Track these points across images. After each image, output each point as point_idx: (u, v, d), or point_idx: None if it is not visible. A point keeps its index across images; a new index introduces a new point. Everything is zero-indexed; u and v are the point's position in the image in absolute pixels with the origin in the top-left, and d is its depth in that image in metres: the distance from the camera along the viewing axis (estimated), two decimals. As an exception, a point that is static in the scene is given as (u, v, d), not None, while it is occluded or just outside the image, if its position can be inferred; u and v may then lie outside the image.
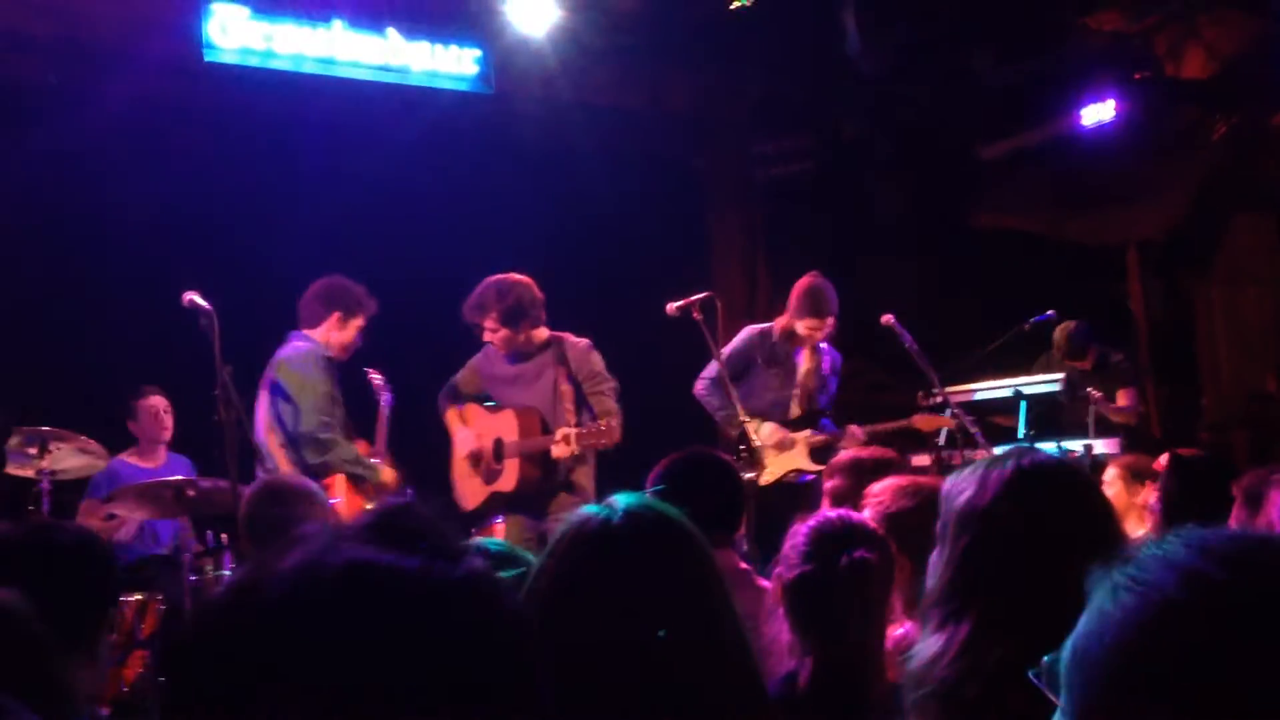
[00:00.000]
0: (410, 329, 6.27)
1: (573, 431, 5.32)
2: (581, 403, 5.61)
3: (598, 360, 5.67)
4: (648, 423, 6.06)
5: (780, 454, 6.34)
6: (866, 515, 2.85)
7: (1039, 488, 2.01)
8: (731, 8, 7.48)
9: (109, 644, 2.98)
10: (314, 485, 4.34)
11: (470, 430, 5.82)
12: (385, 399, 6.01)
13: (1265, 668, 0.89)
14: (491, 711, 0.89)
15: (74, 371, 6.85)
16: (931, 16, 8.27)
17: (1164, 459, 4.29)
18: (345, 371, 5.75)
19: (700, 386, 6.36)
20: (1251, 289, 9.14)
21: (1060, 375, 6.97)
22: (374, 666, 0.84)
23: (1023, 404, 6.63)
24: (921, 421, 6.31)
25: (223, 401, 5.17)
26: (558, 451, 5.38)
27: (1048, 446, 5.58)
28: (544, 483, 5.51)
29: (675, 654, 1.64)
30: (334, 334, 5.64)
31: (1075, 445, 6.50)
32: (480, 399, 5.86)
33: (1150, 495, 4.23)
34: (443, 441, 5.97)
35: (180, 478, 5.64)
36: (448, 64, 7.87)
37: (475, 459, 5.75)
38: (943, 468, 6.14)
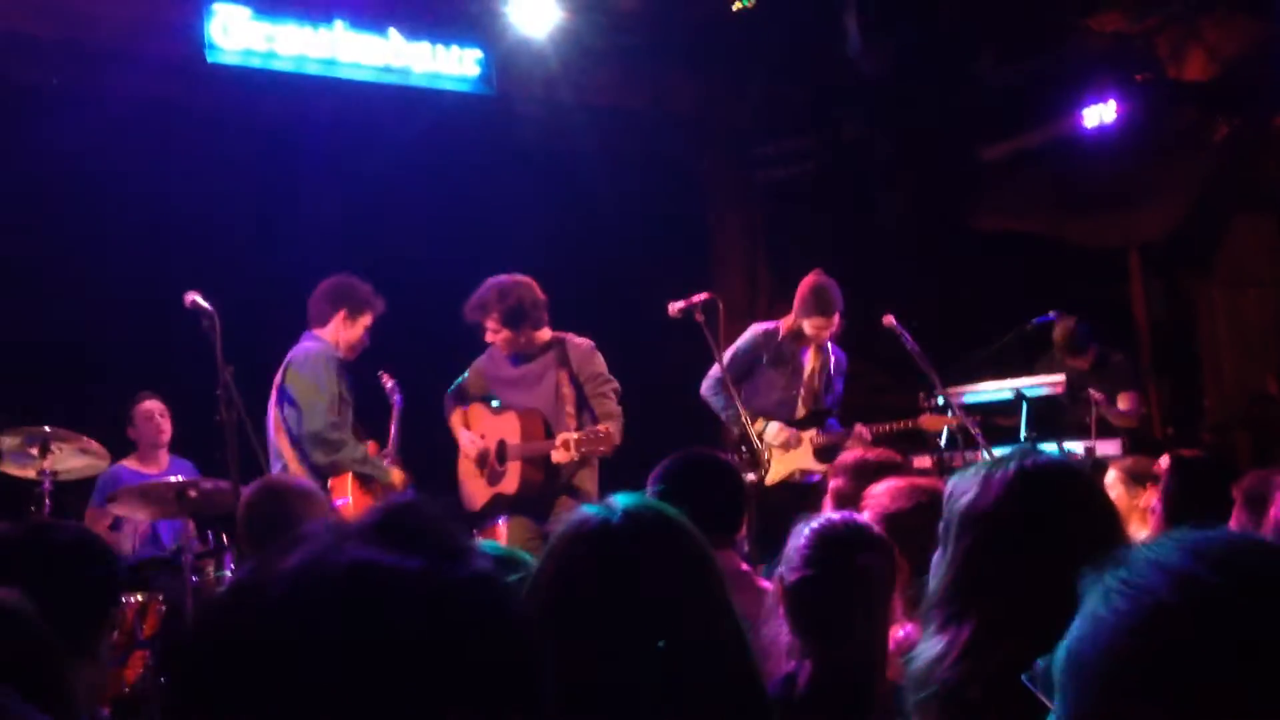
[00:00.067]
0: (411, 329, 6.27)
1: (573, 437, 5.32)
2: (583, 404, 5.60)
3: (600, 362, 5.67)
4: (649, 424, 6.05)
5: (786, 453, 6.34)
6: (866, 517, 2.85)
7: (1042, 489, 2.00)
8: (733, 9, 7.48)
9: (110, 644, 2.99)
10: (313, 485, 4.34)
11: (474, 432, 5.82)
12: (397, 401, 6.03)
13: (1257, 670, 0.89)
14: (495, 713, 0.89)
15: (75, 372, 6.85)
16: (932, 18, 8.27)
17: (1165, 460, 4.28)
18: (357, 373, 5.75)
19: (706, 387, 6.36)
20: (1253, 290, 9.13)
21: (1061, 377, 6.96)
22: (377, 668, 0.84)
23: (1024, 405, 6.62)
24: (928, 421, 6.31)
25: (224, 402, 5.18)
26: (558, 457, 5.38)
27: (1049, 448, 5.57)
28: (546, 486, 5.51)
29: (674, 654, 1.64)
30: (341, 332, 5.64)
31: (1077, 447, 6.50)
32: (486, 400, 5.86)
33: (1152, 497, 4.23)
34: (450, 442, 5.97)
35: (181, 478, 5.64)
36: (449, 65, 7.87)
37: (480, 460, 5.76)
38: (943, 469, 6.13)
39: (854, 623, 2.39)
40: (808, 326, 6.37)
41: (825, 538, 2.45)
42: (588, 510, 1.79)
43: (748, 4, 7.46)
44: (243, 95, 7.58)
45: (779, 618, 2.44)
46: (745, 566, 3.47)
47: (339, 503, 5.39)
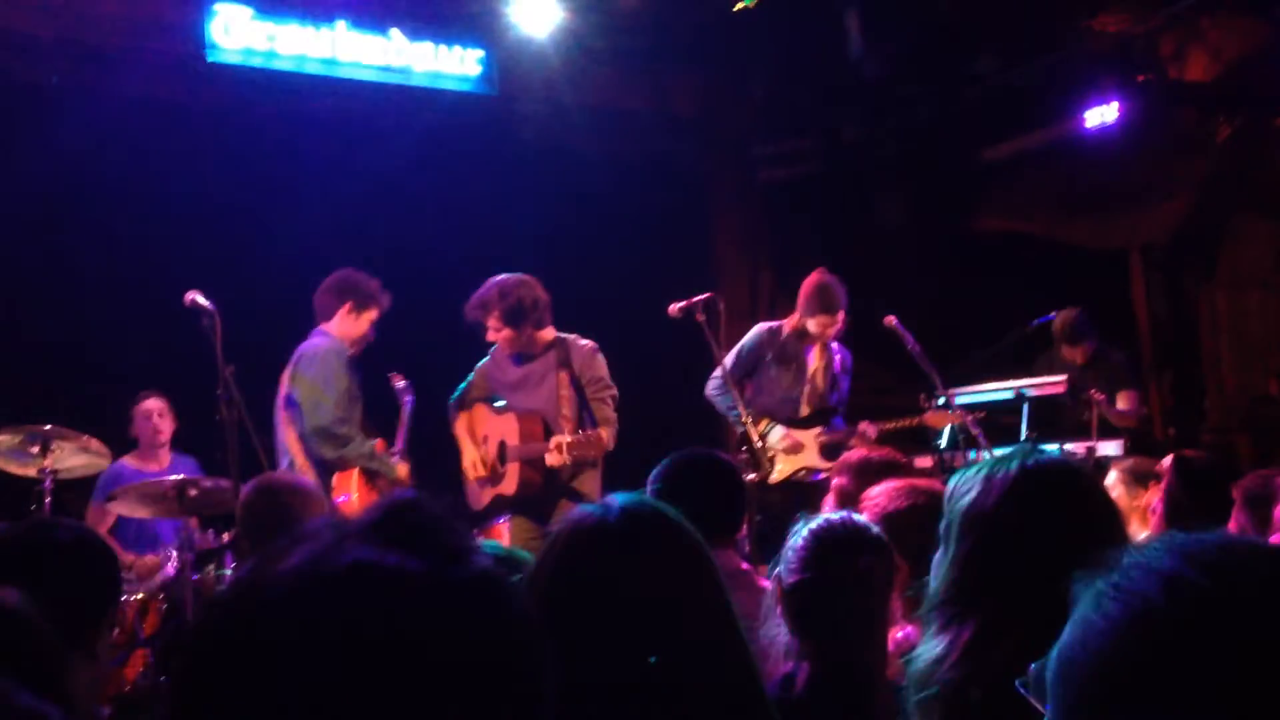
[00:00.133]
0: (411, 329, 6.26)
1: (565, 441, 5.34)
2: (584, 406, 5.60)
3: (601, 365, 5.66)
4: (650, 424, 6.05)
5: (789, 456, 6.35)
6: (865, 517, 2.84)
7: (1044, 489, 2.00)
8: (735, 9, 7.48)
9: (110, 643, 2.99)
10: (311, 483, 4.34)
11: (478, 433, 5.83)
12: (408, 401, 6.04)
13: (1248, 673, 0.89)
14: (497, 713, 0.89)
15: (76, 371, 6.85)
16: (933, 18, 8.26)
17: (1167, 461, 4.28)
18: (368, 374, 5.75)
19: (711, 387, 6.37)
20: (1255, 292, 9.12)
21: (1062, 377, 6.96)
22: (378, 668, 0.84)
23: (1025, 405, 6.62)
24: (932, 418, 6.31)
25: (224, 401, 5.18)
26: (550, 460, 5.39)
27: (1050, 448, 5.57)
28: (545, 488, 5.51)
29: (672, 654, 1.63)
30: (346, 326, 5.64)
31: (1078, 447, 6.49)
32: (490, 401, 5.86)
33: (1153, 497, 4.22)
34: (456, 444, 5.97)
35: (181, 477, 5.64)
36: (451, 65, 7.88)
37: (482, 461, 5.76)
38: (945, 469, 6.13)
39: (852, 624, 2.38)
40: (812, 325, 6.37)
41: (823, 539, 2.44)
42: (585, 509, 1.79)
43: (749, 3, 7.46)
44: (244, 95, 7.58)
45: (777, 618, 2.43)
46: (745, 566, 3.47)
47: (342, 499, 5.39)
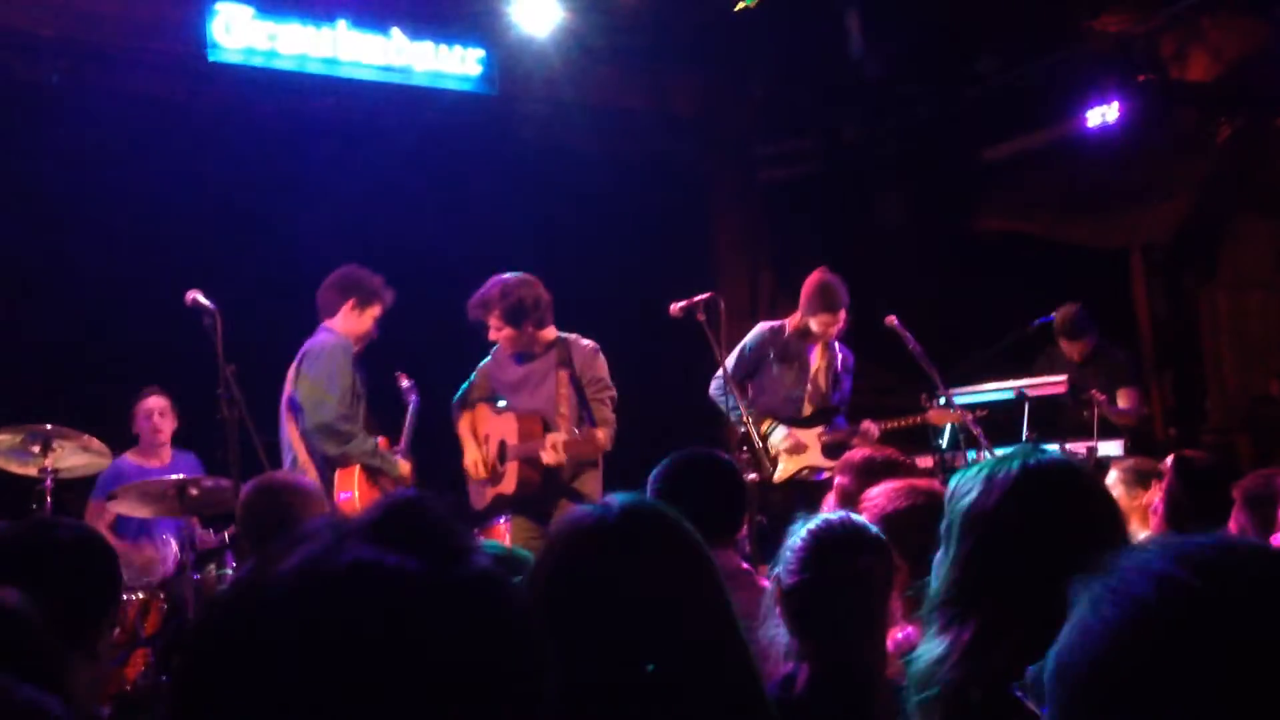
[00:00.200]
0: (411, 329, 6.26)
1: (560, 440, 5.34)
2: (583, 405, 5.60)
3: (602, 365, 5.66)
4: (650, 424, 6.05)
5: (792, 456, 6.35)
6: (864, 517, 2.84)
7: (1045, 489, 2.00)
8: (736, 8, 7.48)
9: (111, 642, 2.99)
10: (310, 482, 4.33)
11: (480, 433, 5.83)
12: (413, 401, 6.04)
13: (1241, 673, 0.89)
14: (498, 713, 0.89)
15: (77, 370, 6.85)
16: (934, 18, 8.26)
17: (1169, 461, 4.27)
18: (372, 372, 5.75)
19: (714, 388, 6.37)
20: (1257, 293, 9.12)
21: (1063, 377, 6.96)
22: (378, 668, 0.84)
23: (1026, 405, 6.62)
24: (935, 416, 6.31)
25: (225, 400, 5.18)
26: (546, 458, 5.39)
27: (1051, 448, 5.56)
28: (544, 486, 5.51)
29: (670, 653, 1.63)
30: (351, 323, 5.64)
31: (1079, 447, 6.49)
32: (492, 401, 5.86)
33: (1154, 496, 4.22)
34: (457, 442, 5.97)
35: (182, 476, 5.64)
36: (451, 64, 7.88)
37: (483, 461, 5.77)
38: (945, 469, 6.13)
39: (851, 625, 2.38)
40: (815, 323, 6.38)
41: (821, 539, 2.43)
42: (584, 509, 1.79)
43: (750, 3, 7.45)
44: (244, 94, 7.59)
45: (776, 618, 2.43)
46: (745, 566, 3.47)
47: (344, 496, 5.38)
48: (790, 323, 6.51)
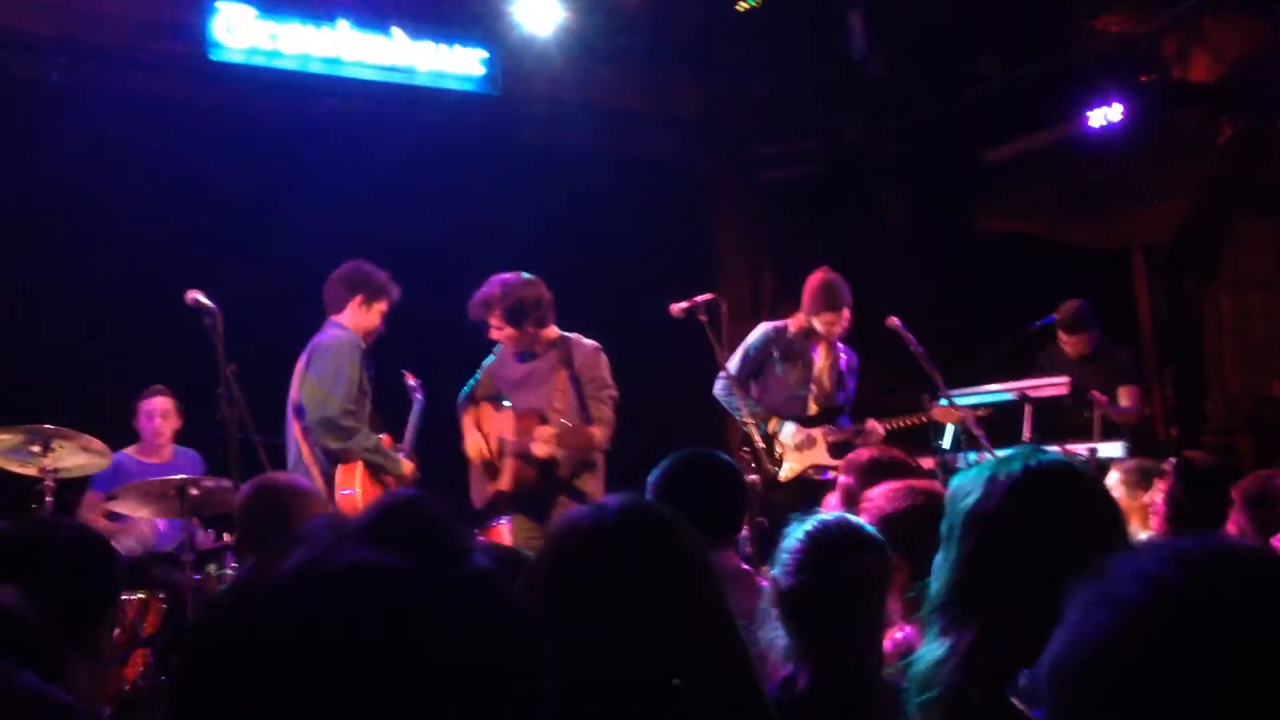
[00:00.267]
0: (412, 328, 6.26)
1: (549, 432, 5.34)
2: (583, 404, 5.60)
3: (603, 365, 5.66)
4: (651, 424, 6.05)
5: (800, 452, 6.36)
6: (864, 518, 2.83)
7: (1046, 490, 2.00)
8: (738, 8, 7.48)
9: (110, 642, 2.99)
10: (309, 483, 4.33)
11: (483, 431, 5.83)
12: (418, 399, 6.05)
13: (1232, 674, 0.88)
14: (498, 712, 0.89)
15: (77, 370, 6.85)
16: (936, 19, 8.26)
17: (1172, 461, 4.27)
18: (380, 370, 5.75)
19: (719, 388, 6.37)
20: (1258, 294, 9.13)
21: (1065, 379, 6.95)
22: (378, 668, 0.84)
23: (1027, 407, 6.61)
24: (940, 414, 6.32)
25: (226, 400, 5.18)
26: (537, 451, 5.40)
27: (1051, 449, 5.56)
28: (541, 483, 5.51)
29: (669, 653, 1.63)
30: (359, 318, 5.64)
31: (1080, 448, 6.48)
32: (496, 400, 5.87)
33: (1155, 495, 4.22)
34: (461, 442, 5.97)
35: (182, 476, 5.64)
36: (453, 64, 7.88)
37: (482, 460, 5.77)
38: (946, 470, 6.13)
39: (850, 625, 2.37)
40: (818, 323, 6.39)
41: (818, 540, 2.42)
42: (582, 509, 1.79)
43: (752, 3, 7.46)
44: (246, 94, 7.59)
45: (775, 620, 2.42)
46: (745, 566, 3.47)
47: (346, 493, 5.37)
48: (793, 323, 6.52)
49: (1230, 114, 8.42)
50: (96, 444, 5.64)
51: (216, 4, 7.16)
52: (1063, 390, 6.86)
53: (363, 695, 0.83)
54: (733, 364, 6.32)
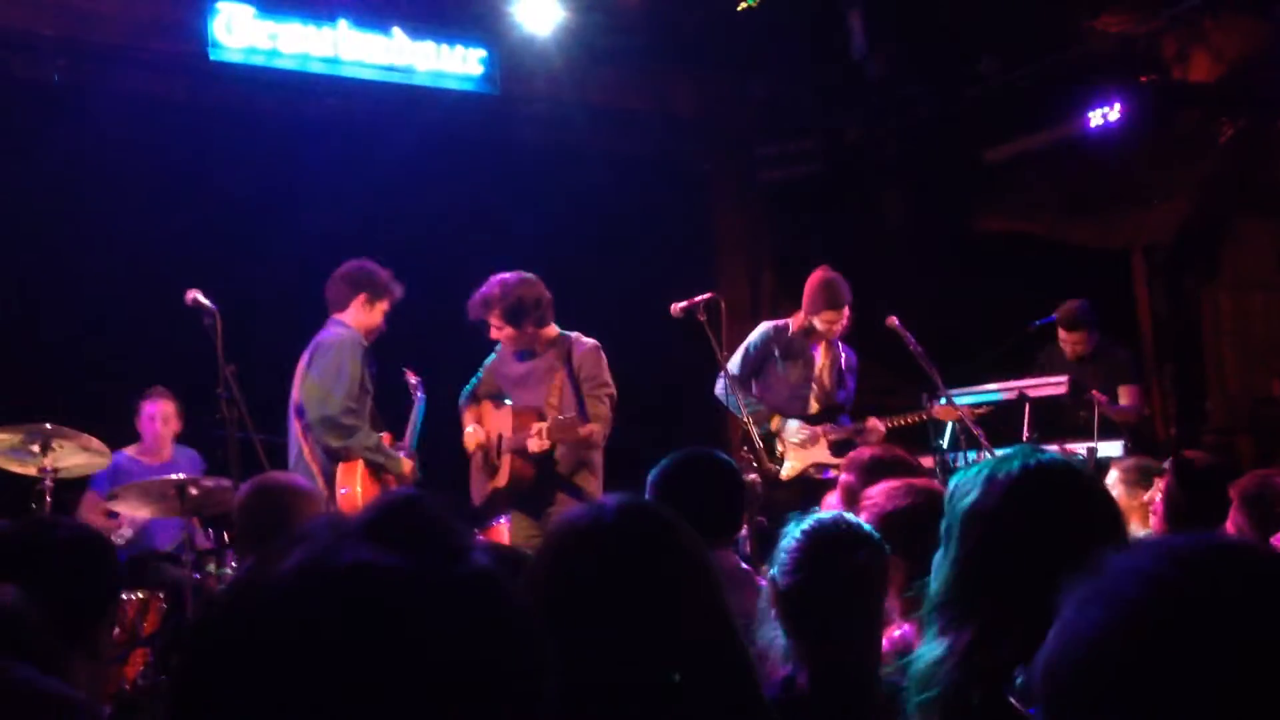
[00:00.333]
0: (412, 328, 6.27)
1: (542, 426, 5.35)
2: (581, 403, 5.61)
3: (601, 364, 5.66)
4: (650, 424, 6.05)
5: (804, 449, 6.37)
6: (863, 517, 2.83)
7: (1045, 490, 2.00)
8: (739, 8, 7.48)
9: (110, 641, 2.99)
10: (307, 483, 4.33)
11: (481, 429, 5.84)
12: (419, 398, 6.05)
13: (1227, 672, 0.88)
14: (498, 712, 0.89)
15: (77, 369, 6.85)
16: (936, 19, 8.26)
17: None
18: (380, 368, 5.75)
19: (719, 387, 6.38)
20: (1258, 294, 9.12)
21: (1064, 378, 6.95)
22: (377, 668, 0.84)
23: (1026, 406, 6.62)
24: (941, 412, 6.32)
25: (225, 400, 5.18)
26: (531, 445, 5.40)
27: (1051, 448, 5.56)
28: (538, 480, 5.51)
29: (667, 653, 1.63)
30: (362, 316, 5.64)
31: (1079, 447, 6.49)
32: (497, 398, 5.88)
33: (1155, 494, 4.22)
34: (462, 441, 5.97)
35: (182, 476, 5.64)
36: (453, 64, 7.88)
37: (484, 456, 5.78)
38: (946, 469, 6.13)
39: (849, 624, 2.37)
40: (819, 321, 6.40)
41: (815, 539, 2.42)
42: (580, 509, 1.79)
43: (752, 3, 7.46)
44: (246, 93, 7.59)
45: (774, 620, 2.42)
46: (745, 565, 3.47)
47: (345, 491, 5.37)
48: (794, 321, 6.53)
49: (1230, 114, 8.41)
50: (96, 444, 5.65)
51: (216, 4, 7.16)
52: (1062, 389, 6.86)
53: (362, 695, 0.83)
54: (734, 363, 6.34)
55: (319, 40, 7.47)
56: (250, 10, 7.25)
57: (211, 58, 7.19)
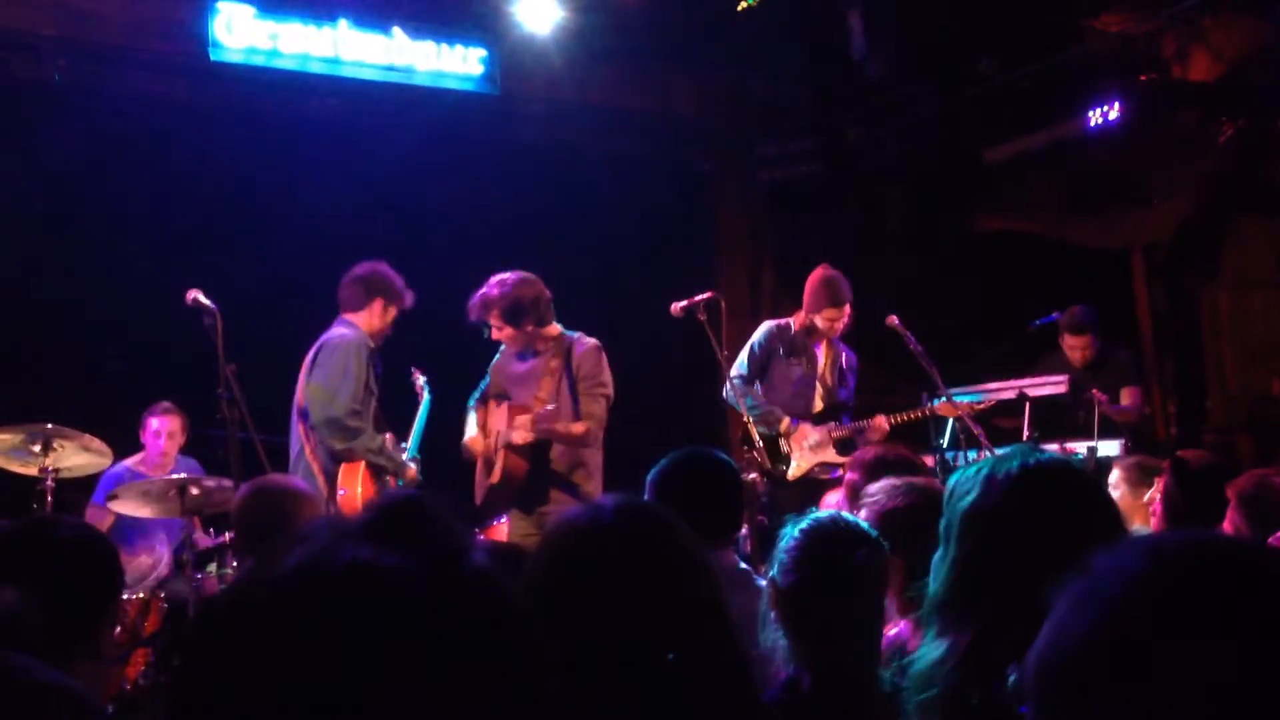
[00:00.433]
0: (412, 328, 6.27)
1: (525, 418, 5.35)
2: (575, 401, 5.60)
3: (600, 364, 5.66)
4: (650, 424, 6.04)
5: (812, 452, 6.37)
6: (862, 515, 2.84)
7: (1044, 489, 2.00)
8: (739, 8, 7.48)
9: (111, 641, 2.99)
10: (305, 484, 4.33)
11: (480, 435, 5.84)
12: (424, 398, 6.06)
13: (1214, 669, 0.88)
14: (496, 710, 0.89)
15: (78, 369, 6.85)
16: (936, 18, 8.26)
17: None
18: (388, 369, 5.75)
19: (726, 390, 6.38)
20: (1258, 293, 9.12)
21: (1064, 377, 6.96)
22: (376, 667, 0.84)
23: (1027, 405, 6.62)
24: (944, 409, 6.33)
25: (225, 400, 5.18)
26: (515, 438, 5.40)
27: (1050, 448, 5.56)
28: (531, 477, 5.49)
29: (664, 652, 1.63)
30: (375, 321, 5.64)
31: (1079, 447, 6.49)
32: (503, 399, 5.88)
33: (1154, 494, 4.21)
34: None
35: (183, 476, 5.64)
36: (453, 64, 7.88)
37: (485, 455, 5.78)
38: (945, 469, 6.13)
39: (849, 623, 2.36)
40: (820, 320, 6.41)
41: (814, 538, 2.42)
42: (579, 509, 1.80)
43: (752, 3, 7.46)
44: (246, 93, 7.59)
45: (774, 622, 2.41)
46: (744, 565, 3.47)
47: (344, 492, 5.37)
48: (795, 320, 6.54)
49: (1230, 113, 8.41)
50: (97, 443, 5.65)
51: (217, 4, 7.17)
52: (1062, 389, 6.87)
53: (362, 694, 0.84)
54: (740, 364, 6.35)
55: (319, 40, 7.47)
56: (250, 10, 7.26)
57: (212, 58, 7.20)
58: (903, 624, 2.65)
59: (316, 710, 0.83)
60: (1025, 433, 6.50)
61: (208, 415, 5.52)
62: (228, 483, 5.29)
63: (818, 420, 6.47)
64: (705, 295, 5.83)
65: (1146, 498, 4.42)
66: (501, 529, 5.70)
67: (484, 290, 5.66)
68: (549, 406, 5.40)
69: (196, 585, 5.27)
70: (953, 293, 8.86)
